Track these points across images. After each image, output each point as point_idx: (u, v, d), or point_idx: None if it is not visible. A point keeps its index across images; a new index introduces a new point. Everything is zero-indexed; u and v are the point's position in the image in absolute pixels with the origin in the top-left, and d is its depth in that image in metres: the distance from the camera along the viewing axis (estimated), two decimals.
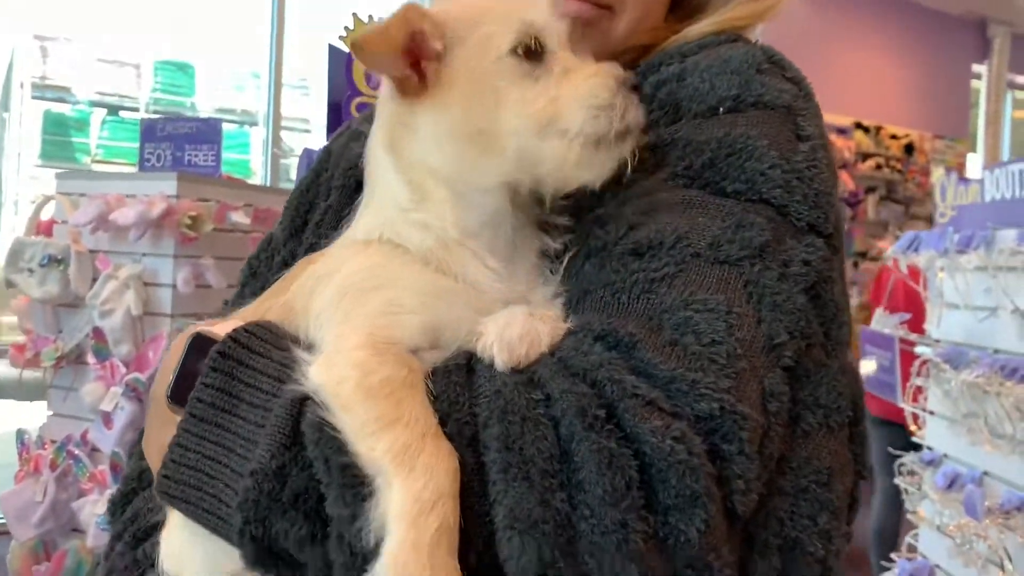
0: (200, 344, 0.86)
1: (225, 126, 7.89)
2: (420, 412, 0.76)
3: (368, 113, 1.21)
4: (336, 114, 2.74)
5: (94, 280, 3.33)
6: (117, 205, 3.29)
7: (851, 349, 0.98)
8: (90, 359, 3.30)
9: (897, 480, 2.86)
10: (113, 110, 7.65)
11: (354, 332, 0.82)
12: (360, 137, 1.16)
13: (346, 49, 2.17)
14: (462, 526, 0.73)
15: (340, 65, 2.57)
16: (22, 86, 7.60)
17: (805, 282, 0.87)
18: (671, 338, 0.80)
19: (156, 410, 0.92)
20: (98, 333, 3.26)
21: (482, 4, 0.95)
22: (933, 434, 2.74)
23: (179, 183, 3.36)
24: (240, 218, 3.50)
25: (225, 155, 7.56)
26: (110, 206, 3.27)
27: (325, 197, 1.21)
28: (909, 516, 2.87)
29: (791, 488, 0.84)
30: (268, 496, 0.75)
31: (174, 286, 3.32)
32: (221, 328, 0.88)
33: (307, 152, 3.06)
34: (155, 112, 7.67)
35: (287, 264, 1.14)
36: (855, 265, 8.24)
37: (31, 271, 3.28)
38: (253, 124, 7.64)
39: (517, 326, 0.83)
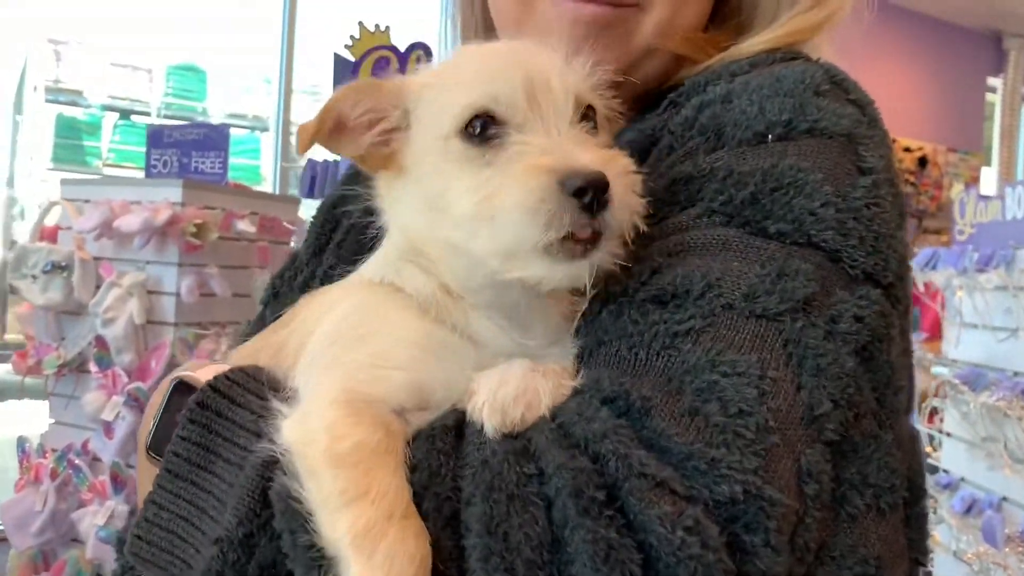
0: (182, 390, 0.81)
1: (236, 131, 7.98)
2: (390, 486, 0.67)
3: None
4: None
5: (98, 287, 3.29)
6: (122, 212, 3.25)
7: (908, 411, 0.86)
8: (92, 367, 3.26)
9: None
10: (125, 114, 7.68)
11: (333, 385, 0.75)
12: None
13: (351, 58, 2.14)
14: None
15: (346, 74, 2.52)
16: (35, 89, 7.63)
17: (856, 342, 0.75)
18: (691, 405, 0.69)
19: (141, 460, 0.86)
20: (100, 341, 3.22)
21: (447, 71, 0.85)
22: (950, 457, 2.68)
23: (184, 190, 3.32)
24: (246, 226, 3.46)
25: (236, 160, 7.61)
26: (115, 213, 3.23)
27: (350, 215, 1.14)
28: None
29: None
30: (233, 568, 0.70)
31: (178, 294, 3.28)
32: (205, 373, 0.82)
33: (311, 163, 3.01)
34: (167, 116, 7.70)
35: (308, 285, 1.10)
36: None
37: (34, 277, 3.25)
38: (264, 130, 7.63)
39: (513, 384, 0.73)
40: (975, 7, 9.40)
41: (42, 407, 3.51)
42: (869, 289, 0.78)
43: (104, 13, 7.98)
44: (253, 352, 0.90)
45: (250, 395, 0.79)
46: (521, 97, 0.77)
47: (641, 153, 0.90)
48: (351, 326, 0.82)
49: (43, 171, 7.18)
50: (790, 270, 0.76)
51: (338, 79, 2.60)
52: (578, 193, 0.71)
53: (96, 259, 3.33)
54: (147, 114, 7.74)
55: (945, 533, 2.66)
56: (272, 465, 0.71)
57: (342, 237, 1.13)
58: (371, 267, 0.89)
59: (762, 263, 0.77)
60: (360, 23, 2.06)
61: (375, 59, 2.36)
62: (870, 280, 0.79)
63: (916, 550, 0.83)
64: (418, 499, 0.68)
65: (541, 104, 0.77)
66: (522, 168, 0.74)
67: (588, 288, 0.77)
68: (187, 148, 3.59)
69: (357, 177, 1.17)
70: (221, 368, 0.82)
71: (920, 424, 2.81)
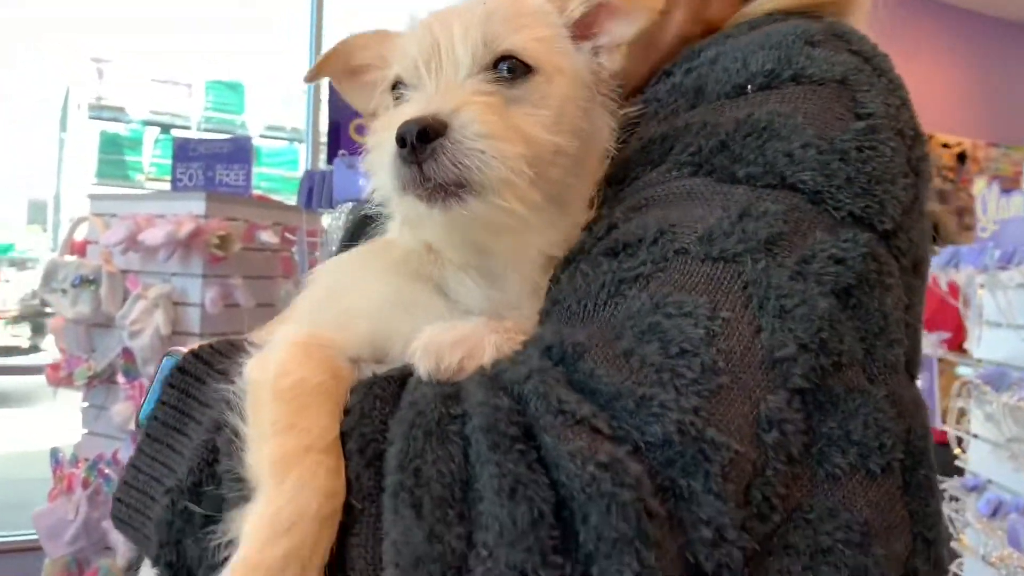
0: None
1: (274, 143, 8.12)
2: (318, 422, 0.67)
3: None
4: (336, 134, 2.73)
5: (125, 300, 3.36)
6: (147, 225, 3.31)
7: (912, 375, 0.78)
8: (120, 378, 3.32)
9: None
10: (166, 129, 7.84)
11: (299, 329, 0.77)
12: None
13: None
14: (351, 561, 0.63)
15: None
16: (79, 107, 7.83)
17: (834, 284, 0.68)
18: (628, 347, 0.64)
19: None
20: (127, 353, 3.28)
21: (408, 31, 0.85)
22: (976, 459, 2.61)
23: (208, 203, 3.38)
24: (269, 237, 3.50)
25: (273, 172, 7.73)
26: (140, 226, 3.30)
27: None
28: (953, 544, 2.74)
29: (807, 546, 0.64)
30: (181, 516, 0.70)
31: (202, 306, 3.33)
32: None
33: (309, 174, 3.04)
34: (206, 130, 7.86)
35: None
36: None
37: (64, 291, 3.32)
38: (301, 141, 7.73)
39: (455, 332, 0.71)
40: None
41: (75, 418, 3.58)
42: (857, 232, 0.71)
43: (144, 30, 8.16)
44: (263, 335, 0.92)
45: (231, 363, 0.79)
46: (419, 61, 0.78)
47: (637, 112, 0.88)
48: (331, 283, 0.84)
49: (88, 186, 7.36)
50: (755, 211, 0.70)
51: (334, 91, 2.64)
52: (400, 142, 0.70)
53: (123, 272, 3.40)
54: (187, 128, 7.91)
55: (973, 537, 2.60)
56: (229, 409, 0.72)
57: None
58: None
59: (725, 207, 0.71)
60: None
61: None
62: (860, 224, 0.72)
63: (920, 524, 0.72)
64: (344, 439, 0.67)
65: (442, 64, 0.77)
66: (386, 123, 0.75)
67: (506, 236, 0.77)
68: (212, 161, 3.65)
69: None
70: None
71: (948, 426, 2.74)
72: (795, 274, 0.68)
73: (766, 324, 0.66)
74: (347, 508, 0.65)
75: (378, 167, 0.75)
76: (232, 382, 0.76)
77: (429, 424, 0.63)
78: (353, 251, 0.89)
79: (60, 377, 3.45)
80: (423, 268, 0.81)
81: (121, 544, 3.19)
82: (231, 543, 0.66)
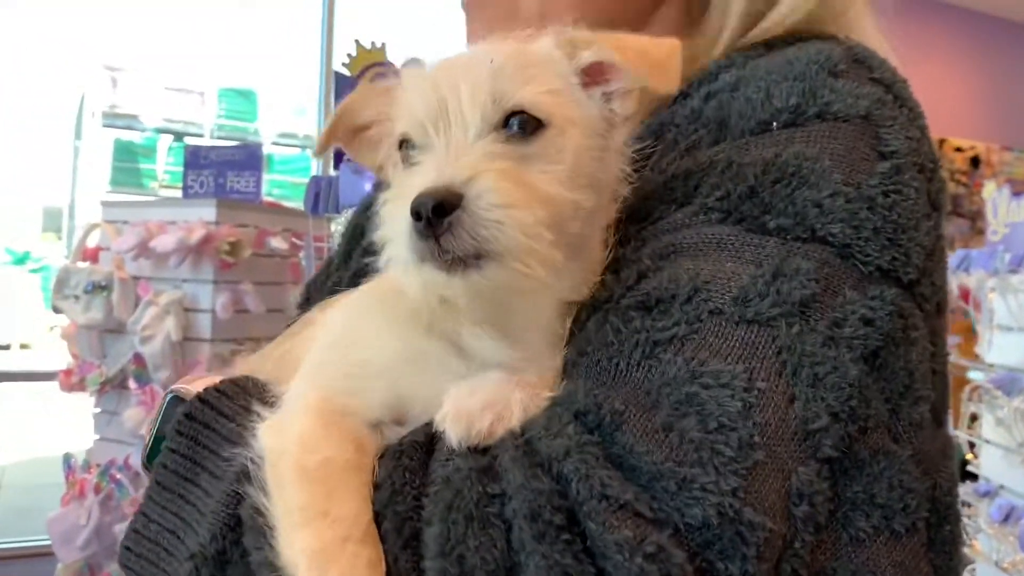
0: (179, 404, 0.81)
1: (286, 151, 8.17)
2: (351, 507, 0.65)
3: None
4: None
5: (136, 306, 3.38)
6: (158, 232, 3.33)
7: (940, 422, 0.78)
8: (131, 384, 3.34)
9: None
10: (179, 136, 7.90)
11: (312, 392, 0.74)
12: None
13: (348, 74, 2.19)
14: None
15: (345, 91, 2.56)
16: (93, 115, 7.89)
17: (863, 347, 0.68)
18: (666, 420, 0.63)
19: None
20: (139, 358, 3.30)
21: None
22: (988, 464, 2.59)
23: (218, 209, 3.39)
24: (279, 243, 3.52)
25: (286, 179, 7.76)
26: (151, 233, 3.32)
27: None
28: (965, 550, 2.72)
29: None
30: None
31: (213, 311, 3.34)
32: (200, 385, 0.82)
33: (315, 180, 3.05)
34: (219, 137, 7.92)
35: (337, 289, 1.08)
36: None
37: (76, 297, 3.34)
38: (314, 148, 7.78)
39: (482, 394, 0.69)
40: None
41: (87, 423, 3.60)
42: (884, 288, 0.71)
43: (158, 39, 8.23)
44: (258, 362, 0.91)
45: (238, 407, 0.78)
46: (426, 120, 0.75)
47: (647, 148, 0.85)
48: (342, 331, 0.81)
49: (103, 194, 7.41)
50: (788, 269, 0.69)
51: (339, 96, 2.65)
52: (415, 216, 0.68)
53: (134, 278, 3.42)
54: (200, 136, 7.97)
55: (985, 542, 2.58)
56: (247, 477, 0.70)
57: (371, 241, 1.14)
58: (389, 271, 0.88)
59: (758, 263, 0.70)
60: (356, 40, 2.10)
61: (372, 76, 2.40)
62: (887, 278, 0.72)
63: None
64: (379, 518, 0.65)
65: (451, 124, 0.74)
66: (399, 192, 0.74)
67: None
68: (223, 168, 3.67)
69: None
70: (215, 380, 0.82)
71: (960, 431, 2.73)
72: (827, 340, 0.68)
73: (799, 393, 0.66)
74: None
75: (392, 238, 0.73)
76: (240, 425, 0.75)
77: (468, 507, 0.62)
78: (362, 294, 0.86)
79: (72, 383, 3.47)
80: (436, 322, 0.77)
81: None
82: None
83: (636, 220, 0.80)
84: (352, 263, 1.14)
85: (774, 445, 0.64)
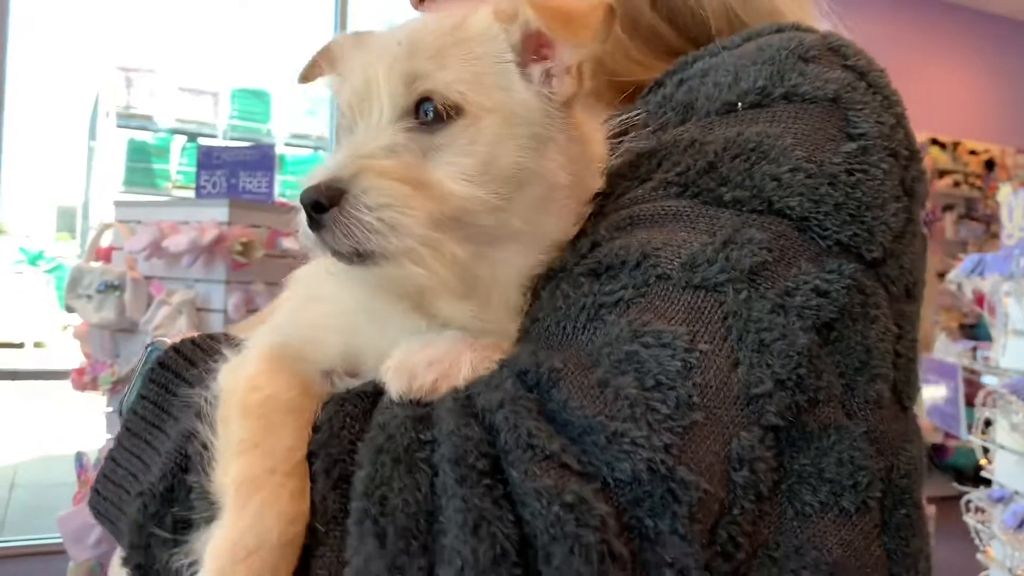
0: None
1: (299, 151, 8.19)
2: (284, 442, 0.66)
3: None
4: None
5: (149, 306, 3.39)
6: (171, 232, 3.35)
7: (905, 406, 0.76)
8: None
9: (965, 518, 2.69)
10: (192, 137, 7.93)
11: (272, 338, 0.75)
12: None
13: None
14: None
15: None
16: (107, 115, 7.94)
17: (815, 318, 0.67)
18: (603, 377, 0.63)
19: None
20: None
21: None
22: (1002, 470, 2.57)
23: (231, 210, 3.41)
24: (291, 244, 3.52)
25: (298, 179, 7.80)
26: (164, 233, 3.33)
27: None
28: (979, 556, 2.70)
29: None
30: (152, 520, 0.69)
31: (225, 311, 3.35)
32: (178, 339, 0.84)
33: None
34: (232, 138, 7.94)
35: None
36: None
37: (89, 297, 3.36)
38: (326, 149, 7.79)
39: (431, 350, 0.69)
40: None
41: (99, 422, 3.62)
42: (843, 263, 0.70)
43: (172, 40, 8.28)
44: (245, 327, 0.92)
45: (209, 358, 0.78)
46: (352, 101, 0.73)
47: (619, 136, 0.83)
48: (306, 288, 0.82)
49: (116, 194, 7.45)
50: (740, 239, 0.68)
51: None
52: (309, 206, 0.67)
53: (147, 278, 3.43)
54: (214, 136, 7.99)
55: (999, 549, 2.56)
56: (202, 417, 0.71)
57: None
58: None
59: (711, 232, 0.70)
60: None
61: None
62: (847, 252, 0.70)
63: (899, 564, 0.71)
64: (312, 458, 0.66)
65: (371, 106, 0.72)
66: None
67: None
68: (235, 169, 3.68)
69: None
70: (194, 334, 0.84)
71: (973, 436, 2.71)
72: (776, 307, 0.66)
73: (744, 358, 0.65)
74: (311, 529, 0.64)
75: (298, 223, 0.70)
76: (207, 373, 0.76)
77: (397, 450, 0.61)
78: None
79: (85, 382, 3.49)
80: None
81: None
82: (195, 562, 0.66)
83: (602, 197, 0.79)
84: None
85: (714, 407, 0.62)
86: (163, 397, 0.78)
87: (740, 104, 0.77)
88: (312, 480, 0.65)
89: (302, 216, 0.68)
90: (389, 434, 0.63)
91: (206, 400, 0.72)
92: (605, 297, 0.68)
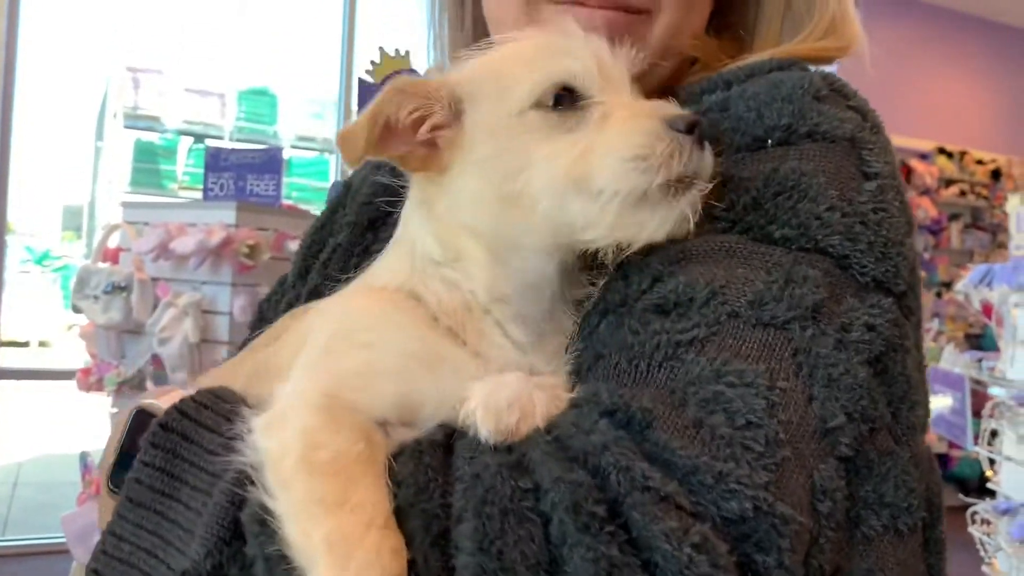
0: (143, 421, 0.77)
1: (305, 154, 8.18)
2: (371, 497, 0.63)
3: None
4: None
5: (156, 307, 3.39)
6: (178, 234, 3.36)
7: (925, 434, 0.81)
8: (149, 385, 3.36)
9: (971, 529, 2.68)
10: (199, 138, 7.94)
11: (315, 389, 0.71)
12: (383, 167, 1.08)
13: (372, 81, 2.18)
14: None
15: (368, 98, 2.55)
16: (115, 116, 7.95)
17: (869, 352, 0.71)
18: (696, 417, 0.65)
19: (103, 497, 0.82)
20: (157, 360, 3.32)
21: (503, 56, 0.83)
22: (1008, 481, 2.57)
23: (238, 212, 3.41)
24: (297, 247, 3.53)
25: (304, 182, 7.79)
26: (171, 235, 3.34)
27: (337, 234, 1.13)
28: (984, 569, 2.69)
29: None
30: None
31: (231, 314, 3.36)
32: (169, 399, 0.78)
33: (335, 185, 3.08)
34: (239, 140, 7.95)
35: (292, 306, 1.06)
36: (938, 295, 7.90)
37: (96, 298, 3.37)
38: (332, 152, 7.80)
39: (507, 391, 0.69)
40: None
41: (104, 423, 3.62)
42: (881, 297, 0.75)
43: (180, 41, 8.29)
44: (228, 374, 0.87)
45: (220, 418, 0.74)
46: (596, 70, 0.78)
47: None
48: (348, 331, 0.78)
49: (123, 195, 7.46)
50: (797, 276, 0.73)
51: (362, 103, 2.64)
52: (689, 128, 0.73)
53: (154, 279, 3.44)
54: (220, 138, 8.00)
55: (1005, 562, 2.55)
56: (242, 489, 0.67)
57: (328, 257, 1.11)
58: (384, 274, 0.85)
59: (768, 269, 0.74)
60: (381, 48, 2.10)
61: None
62: (881, 288, 0.75)
63: None
64: (404, 516, 0.63)
65: (611, 79, 0.79)
66: (622, 117, 0.76)
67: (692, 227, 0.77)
68: (243, 171, 3.69)
69: (343, 199, 1.19)
70: (186, 394, 0.78)
71: (980, 447, 2.70)
72: (838, 343, 0.70)
73: (817, 393, 0.68)
74: None
75: (609, 158, 0.74)
76: (224, 437, 0.72)
77: (503, 502, 0.61)
78: (359, 294, 0.85)
79: (90, 382, 3.49)
80: (457, 327, 0.77)
81: None
82: None
83: None
84: (310, 280, 1.12)
85: (797, 442, 0.66)
86: (172, 463, 0.72)
87: (769, 140, 0.82)
88: (409, 538, 0.62)
89: (671, 139, 0.74)
90: (488, 485, 0.62)
91: (246, 467, 0.68)
92: (679, 335, 0.71)
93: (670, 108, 0.76)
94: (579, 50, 0.80)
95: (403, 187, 0.89)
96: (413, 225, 0.86)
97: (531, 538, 0.59)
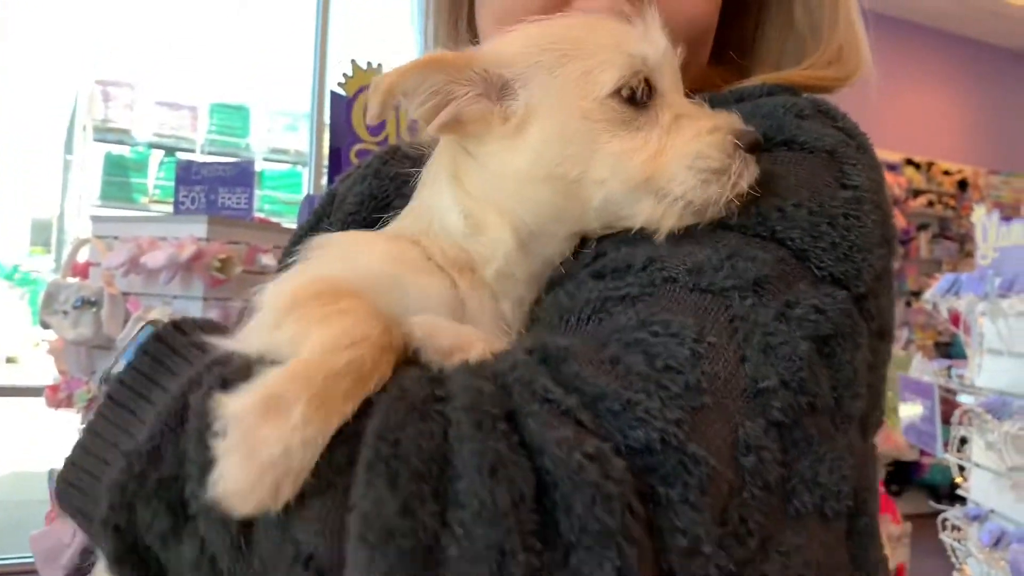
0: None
1: (278, 167, 8.15)
2: (377, 325, 0.65)
3: (376, 156, 1.17)
4: (336, 159, 2.74)
5: (126, 322, 3.35)
6: (149, 248, 3.32)
7: (872, 432, 0.82)
8: None
9: (942, 536, 2.71)
10: (170, 151, 7.87)
11: (308, 273, 0.74)
12: (368, 178, 1.10)
13: (344, 94, 2.19)
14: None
15: (340, 110, 2.56)
16: (84, 129, 7.87)
17: (814, 330, 0.70)
18: (613, 355, 0.64)
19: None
20: None
21: (572, 32, 0.81)
22: (977, 488, 2.60)
23: (209, 226, 3.39)
24: (270, 260, 3.50)
25: (277, 195, 7.75)
26: (142, 249, 3.30)
27: (343, 210, 1.12)
28: (955, 574, 2.72)
29: None
30: (136, 479, 0.64)
31: None
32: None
33: (309, 198, 3.07)
34: (210, 153, 7.89)
35: None
36: (907, 304, 8.01)
37: (65, 313, 3.32)
38: (305, 165, 7.76)
39: (451, 328, 0.71)
40: (1013, 28, 9.24)
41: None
42: (836, 290, 0.74)
43: (150, 53, 8.23)
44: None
45: (215, 338, 0.74)
46: (667, 65, 0.80)
47: None
48: (339, 248, 0.81)
49: (92, 208, 7.38)
50: (744, 254, 0.72)
51: (335, 115, 2.64)
52: (751, 147, 0.76)
53: (124, 294, 3.40)
54: (192, 151, 7.94)
55: (975, 568, 2.58)
56: (196, 385, 0.66)
57: (340, 225, 1.11)
58: (390, 230, 0.87)
59: (715, 247, 0.73)
60: (353, 61, 2.10)
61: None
62: (838, 283, 0.74)
63: (859, 568, 0.77)
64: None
65: (675, 77, 0.80)
66: (699, 128, 0.77)
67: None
68: (214, 184, 3.65)
69: (328, 208, 1.18)
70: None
71: (949, 455, 2.73)
72: (779, 315, 0.69)
73: (750, 356, 0.67)
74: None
75: (687, 167, 0.76)
76: (208, 354, 0.72)
77: (413, 401, 0.61)
78: (373, 237, 0.86)
79: (59, 399, 3.44)
80: (454, 274, 0.79)
81: None
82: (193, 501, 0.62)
83: None
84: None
85: (721, 396, 0.64)
86: (154, 368, 0.72)
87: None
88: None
89: (739, 157, 0.76)
90: (404, 388, 0.62)
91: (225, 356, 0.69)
92: (610, 292, 0.71)
93: (737, 122, 0.78)
94: (656, 40, 0.79)
95: (388, 196, 0.89)
96: (434, 195, 0.86)
97: (430, 435, 0.58)
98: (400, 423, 0.59)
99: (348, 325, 0.64)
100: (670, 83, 0.79)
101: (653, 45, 0.79)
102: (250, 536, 0.60)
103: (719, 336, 0.66)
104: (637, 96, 0.78)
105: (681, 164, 0.76)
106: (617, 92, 0.77)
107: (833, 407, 0.71)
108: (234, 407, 0.59)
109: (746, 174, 0.76)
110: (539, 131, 0.78)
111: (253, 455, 0.57)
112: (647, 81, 0.78)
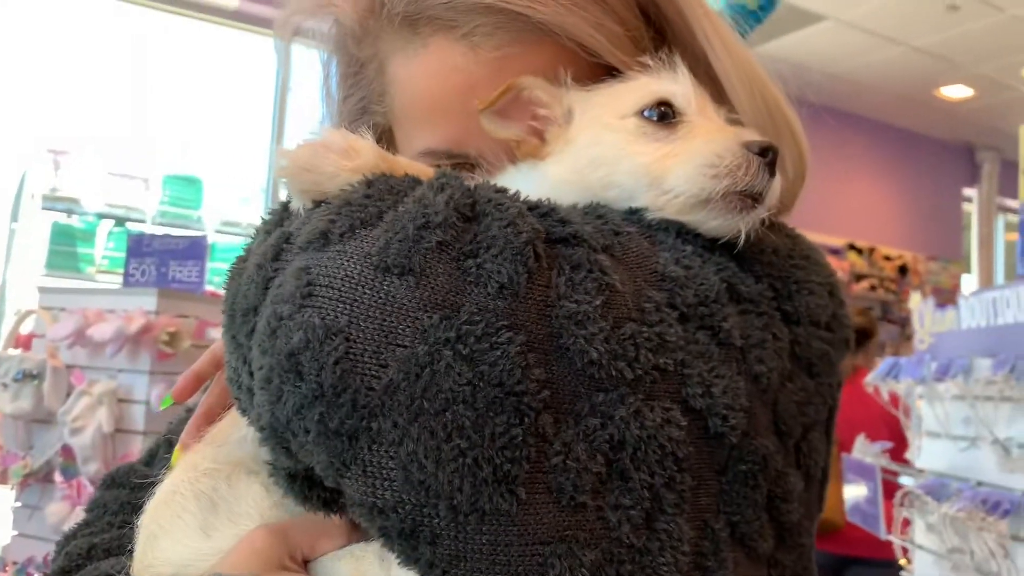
0: None
1: (231, 239, 8.08)
2: None
3: None
4: None
5: (69, 395, 3.29)
6: (96, 320, 3.28)
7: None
8: (57, 477, 3.22)
9: None
10: (120, 222, 7.78)
11: None
12: None
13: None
14: None
15: None
16: (32, 197, 7.76)
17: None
18: None
19: None
20: (67, 451, 3.20)
21: (615, 86, 0.92)
22: (920, 569, 2.62)
23: (159, 299, 3.36)
24: (219, 335, 3.47)
25: (228, 267, 7.69)
26: (88, 321, 3.26)
27: None
28: None
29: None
30: None
31: (148, 403, 3.27)
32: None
33: None
34: (161, 224, 7.80)
35: None
36: None
37: (5, 385, 3.25)
38: None
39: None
40: (947, 121, 9.68)
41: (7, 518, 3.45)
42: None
43: (103, 123, 8.19)
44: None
45: None
46: (693, 95, 0.87)
47: None
48: None
49: (38, 277, 7.24)
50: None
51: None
52: (762, 152, 0.80)
53: (68, 367, 3.33)
54: (143, 221, 7.85)
55: None
56: None
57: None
58: None
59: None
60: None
61: None
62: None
63: None
64: None
65: (705, 108, 0.87)
66: (708, 134, 0.84)
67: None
68: (166, 257, 3.64)
69: None
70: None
71: (893, 536, 2.76)
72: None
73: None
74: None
75: (688, 164, 0.81)
76: None
77: (263, 259, 0.72)
78: None
79: None
80: None
81: None
82: None
83: None
84: None
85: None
86: None
87: None
88: None
89: (741, 156, 0.80)
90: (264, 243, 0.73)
91: None
92: None
93: (750, 132, 0.84)
94: (681, 79, 0.89)
95: None
96: None
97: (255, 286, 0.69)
98: (235, 273, 0.79)
99: None
100: (696, 109, 0.87)
101: (677, 81, 0.88)
102: None
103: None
104: (663, 117, 0.86)
105: (684, 162, 0.82)
106: (640, 112, 0.86)
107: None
108: None
109: (751, 171, 0.80)
110: (578, 143, 0.88)
111: None
112: (670, 105, 0.86)
